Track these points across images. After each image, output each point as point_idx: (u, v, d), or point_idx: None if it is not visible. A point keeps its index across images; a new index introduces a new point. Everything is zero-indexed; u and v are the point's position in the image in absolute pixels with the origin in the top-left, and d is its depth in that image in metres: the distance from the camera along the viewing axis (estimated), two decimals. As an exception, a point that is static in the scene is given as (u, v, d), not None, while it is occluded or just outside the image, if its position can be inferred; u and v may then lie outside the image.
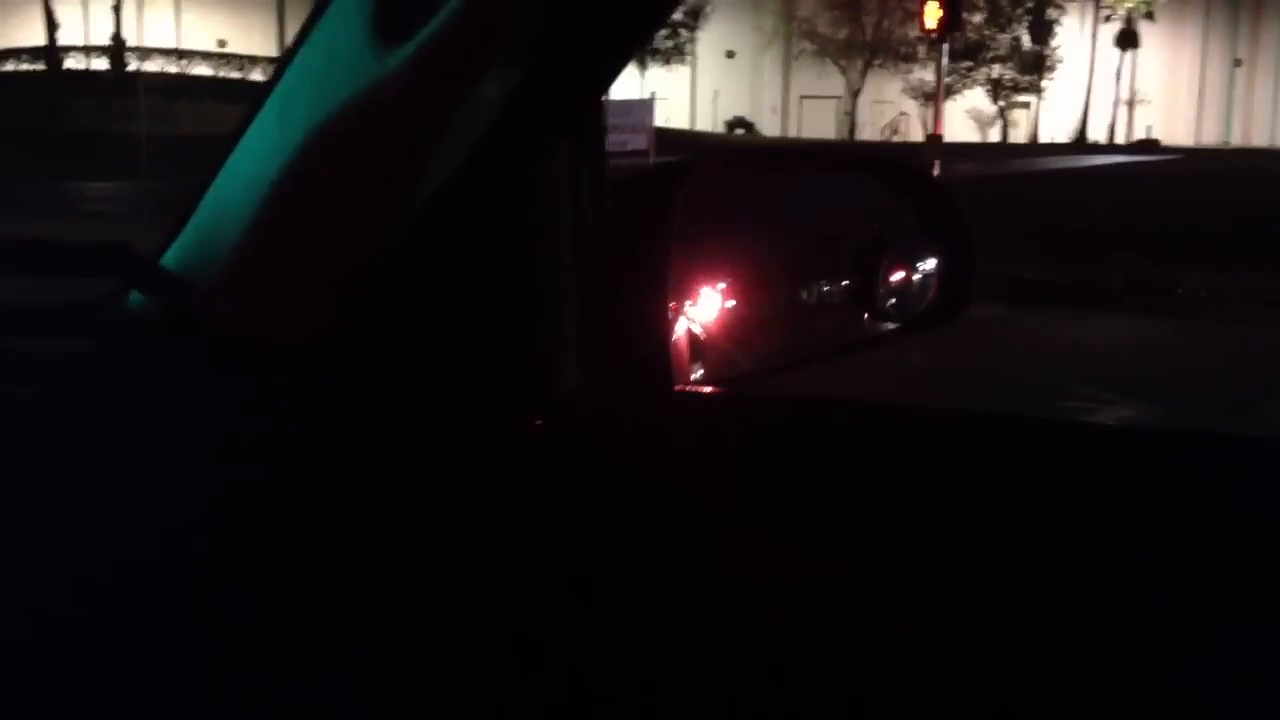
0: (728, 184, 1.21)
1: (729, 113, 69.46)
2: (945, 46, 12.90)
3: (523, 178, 0.91)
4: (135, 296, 1.02)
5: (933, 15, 12.54)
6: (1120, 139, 68.81)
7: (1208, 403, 6.97)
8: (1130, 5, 66.96)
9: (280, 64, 1.00)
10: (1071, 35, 66.58)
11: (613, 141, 25.26)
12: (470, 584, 0.84)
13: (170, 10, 63.96)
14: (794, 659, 0.80)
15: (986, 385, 7.23)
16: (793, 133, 70.85)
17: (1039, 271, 11.52)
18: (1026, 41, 61.73)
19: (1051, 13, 61.58)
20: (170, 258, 1.02)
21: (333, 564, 0.85)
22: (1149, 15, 67.57)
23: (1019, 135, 67.52)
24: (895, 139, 64.88)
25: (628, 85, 55.75)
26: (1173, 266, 11.71)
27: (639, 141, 24.97)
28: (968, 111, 61.73)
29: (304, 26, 0.97)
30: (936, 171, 12.73)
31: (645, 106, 25.93)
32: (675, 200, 1.00)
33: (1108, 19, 68.08)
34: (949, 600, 0.80)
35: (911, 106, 65.40)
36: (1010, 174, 29.69)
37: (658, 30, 1.05)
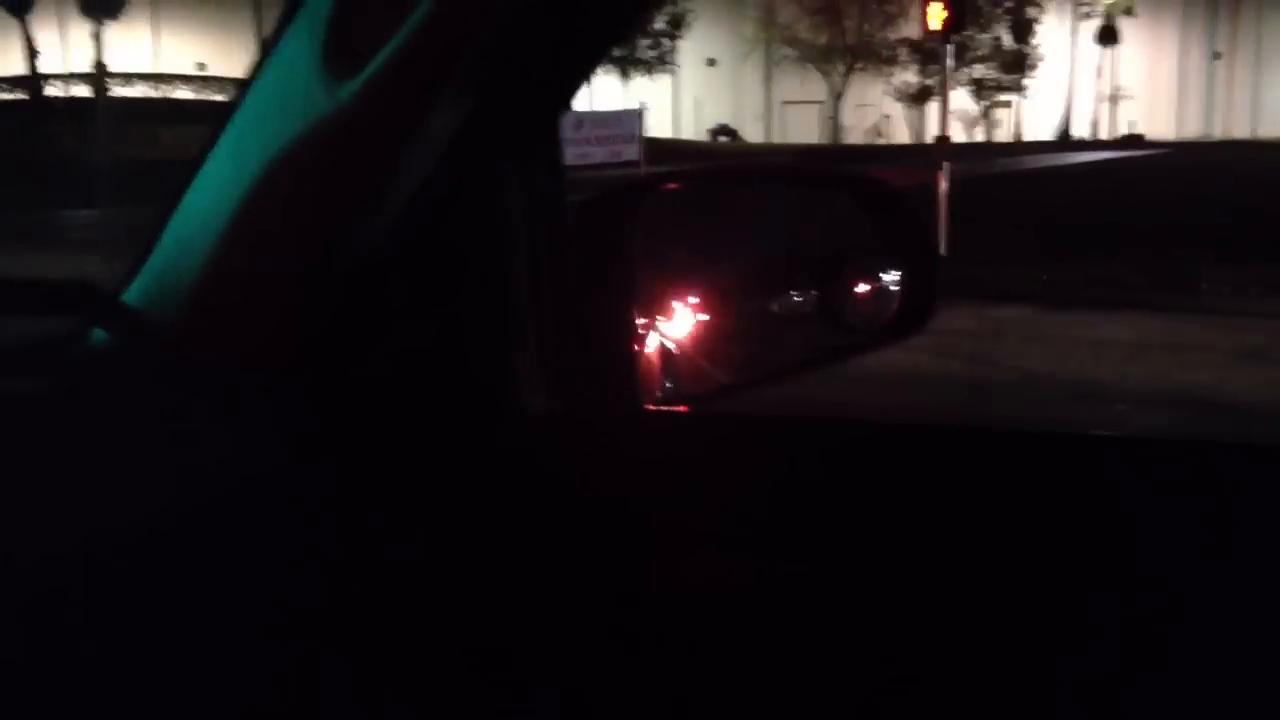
0: (692, 201, 1.20)
1: (712, 120, 69.36)
2: (950, 47, 12.68)
3: (480, 201, 0.93)
4: (98, 334, 1.02)
5: (936, 16, 12.36)
6: (1104, 135, 68.91)
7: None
8: (1109, 2, 67.12)
9: (235, 97, 1.00)
10: (1052, 33, 66.66)
11: (604, 153, 25.16)
12: (440, 598, 0.86)
13: (148, 34, 63.64)
14: (759, 672, 0.81)
15: (1029, 391, 7.01)
16: (776, 139, 70.82)
17: (1059, 270, 11.34)
18: (1007, 41, 61.71)
19: (1031, 11, 61.57)
20: (132, 294, 1.02)
21: (299, 592, 0.86)
22: (1128, 11, 67.75)
23: (1002, 134, 67.55)
24: (879, 141, 64.86)
25: (610, 95, 55.66)
26: (1191, 262, 11.52)
27: (630, 152, 24.81)
28: (953, 112, 61.62)
29: (257, 60, 0.98)
30: (945, 173, 12.48)
31: (634, 117, 25.77)
32: (637, 218, 0.99)
33: (1087, 16, 68.22)
34: (920, 615, 0.81)
35: (895, 109, 65.39)
36: (1008, 173, 29.70)
37: (604, 57, 1.00)
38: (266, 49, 0.98)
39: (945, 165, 12.55)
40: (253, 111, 0.98)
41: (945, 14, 12.35)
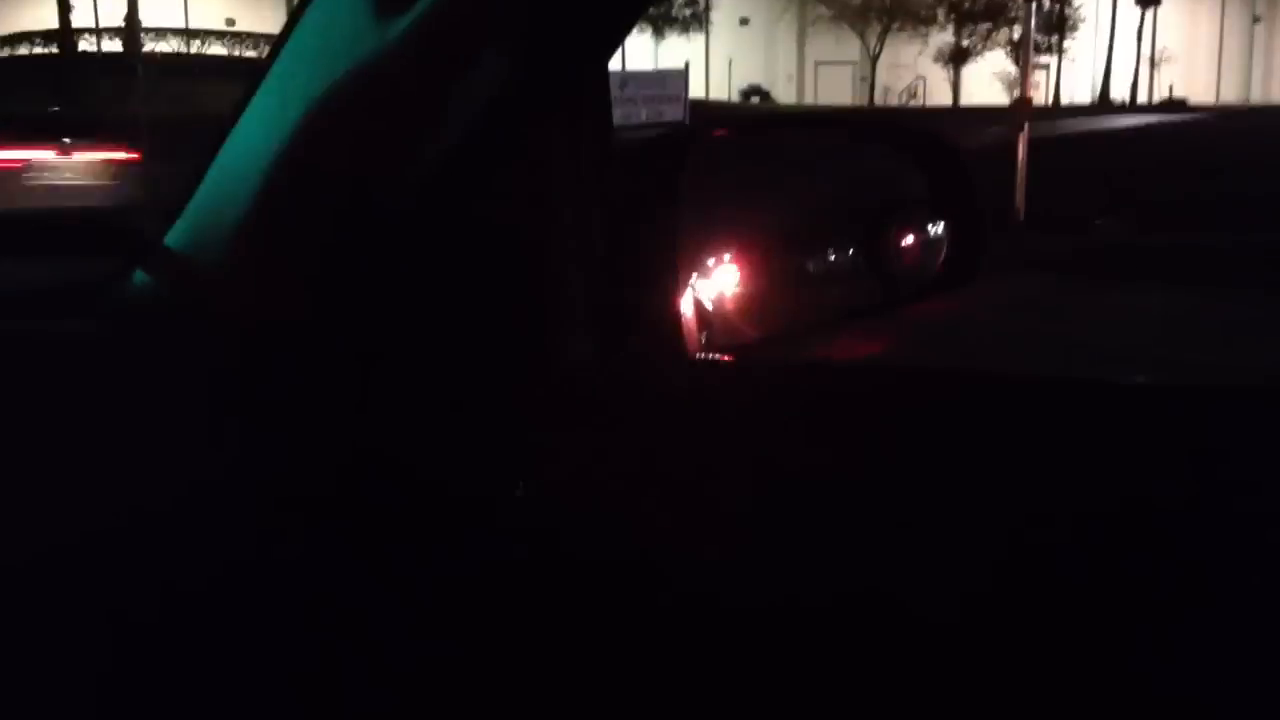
0: (735, 151, 1.20)
1: (743, 81, 68.63)
2: (1033, 5, 12.24)
3: (526, 150, 0.94)
4: (139, 276, 1.03)
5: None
6: (1143, 99, 67.91)
7: None
8: (1151, -38, 66.01)
9: (277, 42, 0.98)
10: (1091, -6, 65.66)
11: (649, 112, 24.86)
12: (478, 554, 0.88)
13: (178, -11, 63.25)
14: (808, 625, 0.84)
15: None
16: (809, 100, 70.09)
17: (1170, 238, 10.91)
18: (1046, 2, 60.73)
19: (1071, -28, 60.61)
20: (173, 237, 1.02)
21: (338, 549, 0.88)
22: (1170, -28, 66.64)
23: (1039, 97, 66.67)
24: (913, 104, 64.12)
25: (642, 54, 55.09)
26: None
27: (674, 111, 24.54)
28: (995, 74, 60.84)
29: (300, 3, 0.97)
30: (1024, 135, 12.08)
31: (679, 77, 25.44)
32: (682, 168, 1.00)
33: (1128, -23, 67.08)
34: (959, 566, 0.83)
35: (931, 70, 64.55)
36: (1067, 135, 29.06)
37: (651, 4, 0.98)
38: None
39: (1026, 127, 12.14)
40: (297, 53, 0.95)
41: (1029, -30, 11.94)
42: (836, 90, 69.29)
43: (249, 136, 0.98)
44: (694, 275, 1.12)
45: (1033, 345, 7.33)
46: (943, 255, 1.29)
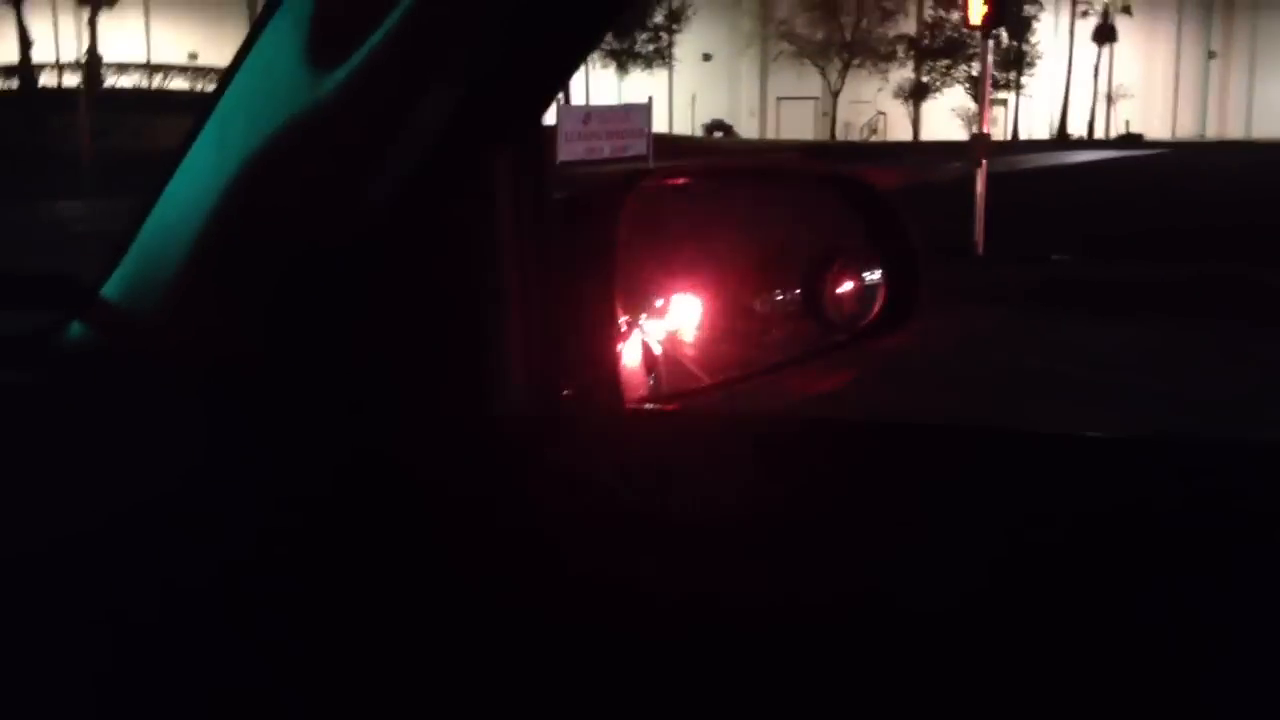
0: (676, 198, 1.21)
1: (706, 115, 69.09)
2: (990, 44, 12.38)
3: (464, 196, 0.95)
4: (77, 327, 1.03)
5: (977, 10, 12.14)
6: (1100, 134, 68.81)
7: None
8: (1107, 0, 67.01)
9: (217, 88, 0.99)
10: (1048, 31, 66.54)
11: (613, 147, 24.93)
12: (419, 601, 0.88)
13: (140, 24, 63.10)
14: (743, 671, 0.83)
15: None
16: (771, 134, 70.65)
17: (1129, 272, 11.00)
18: (1004, 38, 61.51)
19: (1029, 9, 61.37)
20: (111, 287, 1.02)
21: (271, 594, 0.88)
22: (1126, 9, 67.65)
23: (997, 132, 67.40)
24: (874, 139, 64.72)
25: (606, 89, 55.39)
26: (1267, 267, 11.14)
27: (638, 146, 24.61)
28: (954, 110, 61.51)
29: (241, 48, 0.97)
30: (982, 170, 12.19)
31: (643, 111, 25.55)
32: (621, 216, 1.01)
33: (1085, 14, 68.06)
34: (904, 613, 0.83)
35: (892, 106, 65.19)
36: (1026, 170, 29.39)
37: (593, 48, 0.99)
38: (250, 38, 0.96)
39: (984, 162, 12.26)
40: (236, 101, 0.96)
41: (986, 8, 12.10)
42: (799, 125, 69.87)
43: (186, 185, 0.99)
44: (641, 319, 1.13)
45: (988, 378, 7.37)
46: (880, 300, 1.30)
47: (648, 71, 55.95)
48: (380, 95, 0.89)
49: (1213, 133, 77.91)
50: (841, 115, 64.08)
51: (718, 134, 65.69)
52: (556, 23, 0.90)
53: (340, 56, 0.89)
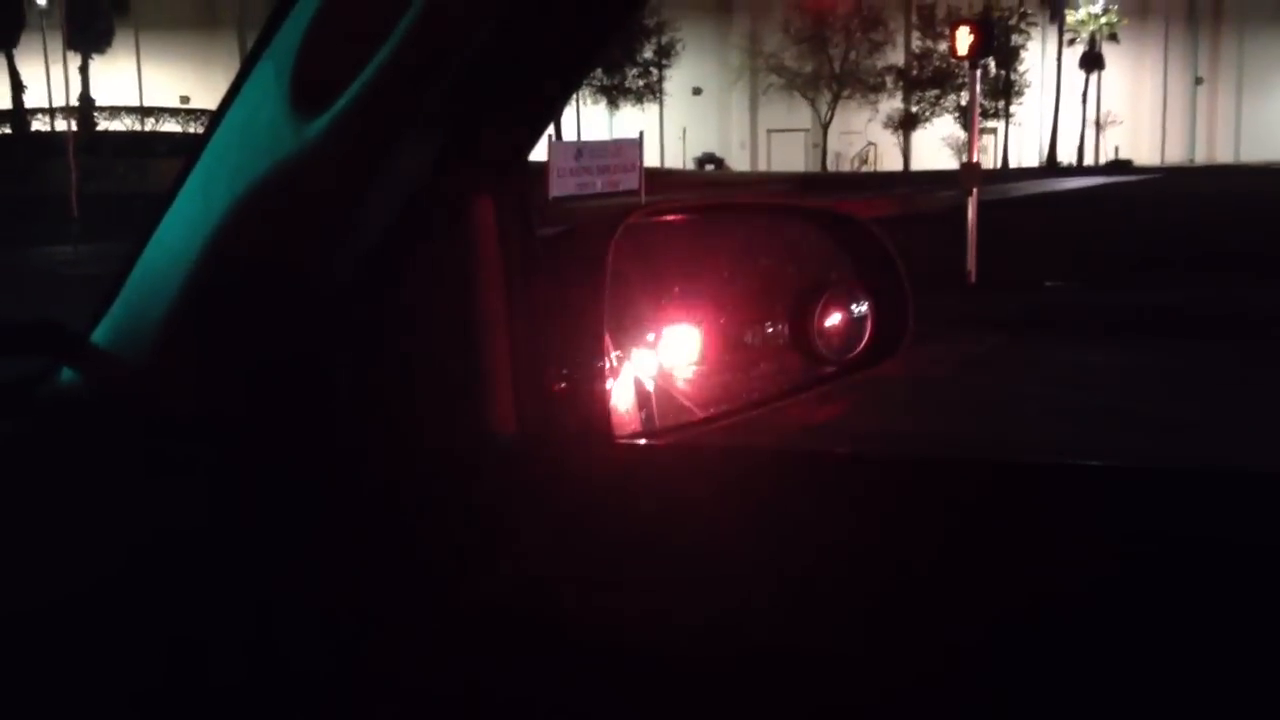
0: (666, 233, 1.22)
1: (698, 149, 69.36)
2: (978, 73, 12.44)
3: (450, 234, 0.96)
4: (66, 374, 1.04)
5: (964, 41, 12.21)
6: (1089, 160, 69.12)
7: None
8: (1093, 27, 67.46)
9: (201, 138, 1.00)
10: (1036, 59, 66.96)
11: (604, 182, 25.01)
12: (409, 631, 0.89)
13: (132, 69, 63.35)
14: (729, 709, 0.83)
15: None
16: (762, 166, 70.91)
17: (1122, 298, 10.97)
18: (992, 68, 61.88)
19: (1016, 38, 61.77)
20: (100, 334, 1.03)
21: (261, 640, 0.89)
22: (1112, 36, 68.10)
23: (987, 160, 67.68)
24: (864, 169, 64.97)
25: (598, 124, 55.61)
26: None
27: (630, 181, 24.69)
28: (944, 139, 61.80)
29: (224, 97, 0.99)
30: (973, 198, 12.21)
31: (634, 146, 25.63)
32: (608, 252, 1.02)
33: (1071, 42, 68.50)
34: (895, 649, 0.82)
35: (882, 136, 65.50)
36: (1017, 198, 29.48)
37: (573, 92, 1.00)
38: (234, 87, 0.97)
39: (974, 190, 12.29)
40: (220, 148, 0.98)
41: (972, 39, 12.17)
42: (789, 157, 70.16)
43: (173, 233, 0.99)
44: (631, 353, 1.12)
45: (983, 405, 7.35)
46: (868, 331, 1.30)
47: (638, 106, 56.19)
48: (363, 141, 0.89)
49: (1201, 157, 78.31)
50: (832, 146, 64.34)
51: (709, 167, 65.96)
52: (535, 70, 0.91)
53: (323, 103, 0.90)
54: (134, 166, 32.88)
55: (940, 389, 7.15)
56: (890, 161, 65.92)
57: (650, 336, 1.16)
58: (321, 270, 0.93)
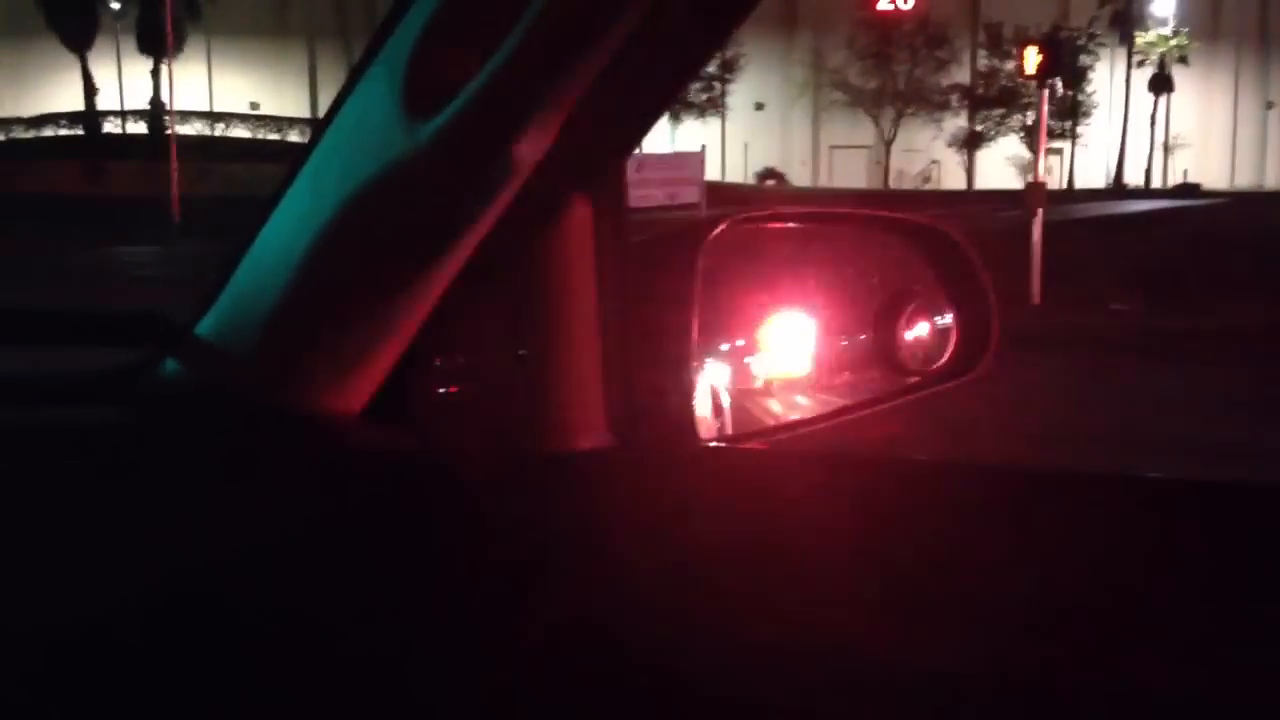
0: (750, 242, 1.22)
1: (759, 164, 69.22)
2: (1045, 93, 12.36)
3: (548, 240, 0.98)
4: (170, 365, 1.05)
5: (1031, 60, 12.16)
6: (1156, 183, 68.23)
7: None
8: (1163, 50, 66.65)
9: (313, 135, 1.03)
10: (1104, 80, 66.27)
11: (665, 195, 25.01)
12: (496, 634, 0.90)
13: (203, 74, 64.34)
14: (818, 707, 0.84)
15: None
16: (823, 183, 70.65)
17: (1190, 322, 10.79)
18: (1059, 88, 61.32)
19: (1084, 59, 61.16)
20: (205, 326, 1.05)
21: (352, 637, 0.89)
22: (1182, 59, 67.23)
23: (1052, 182, 66.99)
24: (927, 187, 64.55)
25: (659, 137, 55.71)
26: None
27: (690, 195, 24.68)
28: (1008, 159, 61.29)
29: (337, 98, 1.01)
30: (1038, 218, 12.12)
31: (696, 159, 25.65)
32: (697, 259, 1.04)
33: (1140, 64, 67.70)
34: (975, 649, 0.83)
35: (945, 154, 65.07)
36: (1083, 219, 29.14)
37: (676, 98, 1.02)
38: (346, 86, 0.99)
39: (1040, 211, 12.19)
40: (331, 148, 0.99)
41: (1041, 58, 12.09)
42: (851, 174, 69.83)
43: (282, 230, 1.01)
44: (711, 361, 1.14)
45: (1046, 427, 7.28)
46: (952, 346, 1.31)
47: (701, 120, 56.27)
48: (469, 148, 0.91)
49: (1272, 182, 77.02)
50: (894, 163, 64.01)
51: (769, 182, 65.81)
52: (638, 79, 0.93)
53: (433, 109, 0.92)
54: (203, 170, 33.31)
55: (1000, 411, 7.09)
56: (954, 180, 65.46)
57: (726, 346, 1.18)
58: (425, 268, 0.95)
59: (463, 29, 0.92)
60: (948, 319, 1.31)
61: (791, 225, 1.35)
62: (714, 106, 56.72)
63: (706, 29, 0.95)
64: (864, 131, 66.30)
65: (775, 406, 1.22)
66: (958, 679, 0.81)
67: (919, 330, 1.30)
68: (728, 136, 64.89)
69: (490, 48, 0.89)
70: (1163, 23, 67.73)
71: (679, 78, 0.99)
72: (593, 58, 0.89)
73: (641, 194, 23.77)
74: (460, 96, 0.90)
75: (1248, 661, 0.79)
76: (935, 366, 1.31)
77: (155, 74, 46.51)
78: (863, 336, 1.30)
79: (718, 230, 1.07)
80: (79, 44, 45.15)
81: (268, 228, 1.03)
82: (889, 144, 63.04)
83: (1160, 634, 0.81)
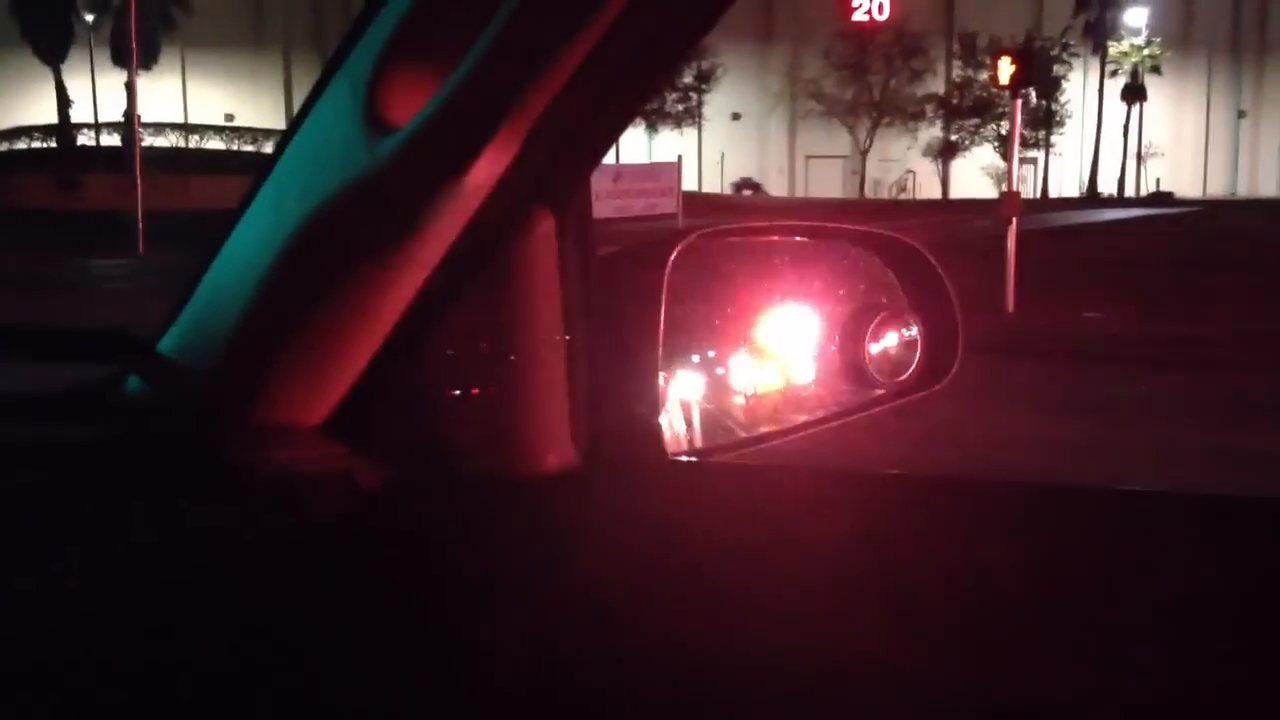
0: (718, 255, 1.23)
1: (735, 174, 69.43)
2: (1019, 103, 12.42)
3: (512, 255, 0.98)
4: (134, 382, 1.05)
5: (1005, 71, 12.23)
6: (1130, 192, 68.71)
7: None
8: (1136, 59, 67.15)
9: (275, 151, 1.01)
10: (1077, 90, 66.71)
11: (643, 205, 25.08)
12: (458, 655, 0.88)
13: (177, 86, 64.13)
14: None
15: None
16: (799, 192, 70.95)
17: (1163, 329, 10.86)
18: (1033, 98, 61.67)
19: (1058, 69, 61.58)
20: (168, 343, 1.05)
21: (315, 658, 0.88)
22: (1155, 69, 67.76)
23: (1026, 191, 67.32)
24: (902, 197, 64.84)
25: (636, 148, 55.83)
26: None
27: (667, 205, 24.76)
28: (983, 168, 61.62)
29: (298, 114, 1.00)
30: (1013, 227, 12.17)
31: (672, 170, 25.72)
32: (664, 273, 1.04)
33: (1114, 74, 68.21)
34: (958, 663, 0.83)
35: (920, 164, 65.38)
36: (1056, 228, 29.30)
37: (636, 115, 1.03)
38: (308, 102, 0.99)
39: (1014, 219, 12.25)
40: (292, 164, 0.99)
41: (1014, 68, 12.16)
42: (827, 183, 70.17)
43: (244, 245, 1.01)
44: (679, 372, 1.13)
45: (1017, 435, 7.31)
46: (919, 357, 1.31)
47: (677, 130, 56.39)
48: (431, 165, 0.91)
49: (1244, 190, 77.70)
50: (870, 173, 64.32)
51: (746, 192, 65.99)
52: (600, 93, 0.92)
53: (393, 125, 0.91)
54: (178, 182, 33.20)
55: (973, 419, 7.11)
56: (929, 190, 65.79)
57: (696, 358, 1.17)
58: (388, 283, 0.95)
59: (424, 46, 0.92)
60: (912, 332, 1.31)
61: (757, 239, 1.35)
62: (691, 117, 56.82)
63: (665, 49, 0.95)
64: (840, 141, 66.61)
65: (745, 419, 1.22)
66: (935, 693, 0.81)
67: (887, 342, 1.30)
68: (704, 147, 65.05)
69: (451, 64, 0.89)
70: (1135, 32, 68.27)
71: (639, 95, 0.98)
72: (553, 75, 0.89)
73: (619, 204, 23.83)
74: (421, 113, 0.90)
75: (1244, 670, 0.79)
76: (902, 378, 1.31)
77: (130, 86, 46.35)
78: (832, 348, 1.30)
79: (684, 244, 1.07)
80: (53, 56, 44.94)
81: (230, 243, 1.02)
82: (865, 154, 63.31)
83: (1143, 642, 0.81)
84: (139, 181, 24.41)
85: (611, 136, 0.99)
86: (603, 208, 22.50)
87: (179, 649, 0.84)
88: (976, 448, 6.68)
